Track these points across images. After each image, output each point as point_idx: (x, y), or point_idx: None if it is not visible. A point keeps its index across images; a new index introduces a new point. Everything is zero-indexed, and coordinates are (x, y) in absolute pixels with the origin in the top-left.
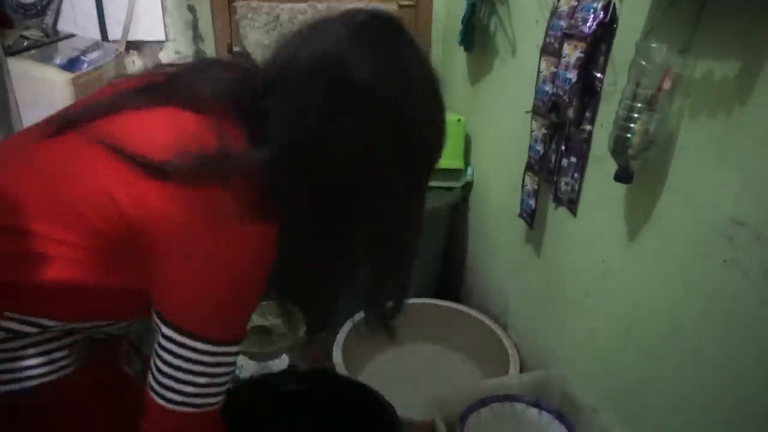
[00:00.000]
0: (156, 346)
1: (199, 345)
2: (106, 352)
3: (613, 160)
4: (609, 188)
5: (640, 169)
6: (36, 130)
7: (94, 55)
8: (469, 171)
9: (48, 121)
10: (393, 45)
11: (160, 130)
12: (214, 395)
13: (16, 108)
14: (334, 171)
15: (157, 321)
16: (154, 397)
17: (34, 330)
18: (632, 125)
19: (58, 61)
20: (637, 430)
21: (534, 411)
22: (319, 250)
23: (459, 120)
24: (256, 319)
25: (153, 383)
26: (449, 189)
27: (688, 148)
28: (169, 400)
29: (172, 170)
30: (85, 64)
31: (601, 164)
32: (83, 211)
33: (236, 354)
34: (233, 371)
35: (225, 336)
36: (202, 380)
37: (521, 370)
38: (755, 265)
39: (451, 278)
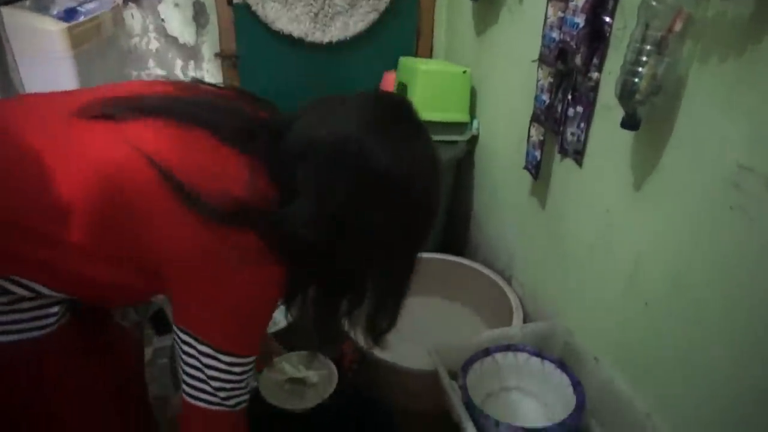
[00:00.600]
0: (190, 361)
1: (228, 359)
2: (93, 308)
3: (620, 109)
4: (615, 138)
5: (647, 115)
6: (76, 101)
7: (90, 5)
8: (475, 124)
9: (91, 98)
10: (403, 131)
11: (199, 156)
12: (243, 393)
13: (12, 58)
14: (355, 236)
15: (188, 339)
16: (196, 402)
17: (27, 294)
18: (640, 69)
19: (54, 11)
20: (638, 380)
21: (536, 360)
22: (333, 291)
23: (464, 72)
24: (290, 371)
25: (192, 391)
26: (454, 143)
27: (696, 94)
28: (207, 402)
29: (210, 210)
30: (82, 15)
31: (608, 113)
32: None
33: (253, 362)
34: (245, 379)
35: (243, 350)
36: (226, 385)
37: (525, 323)
38: (763, 212)
39: (456, 233)
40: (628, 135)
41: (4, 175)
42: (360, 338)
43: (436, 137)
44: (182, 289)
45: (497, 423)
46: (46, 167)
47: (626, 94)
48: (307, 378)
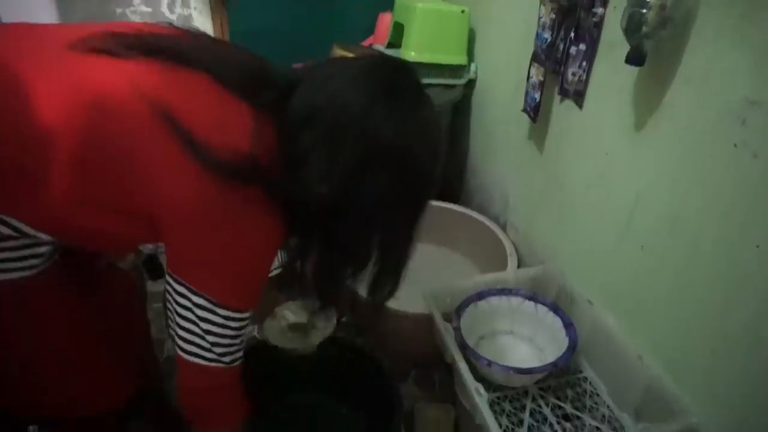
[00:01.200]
0: (185, 313)
1: (224, 312)
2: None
3: (624, 46)
4: (619, 76)
5: (653, 50)
6: (76, 34)
7: None
8: (473, 68)
9: (94, 33)
10: (407, 100)
11: (202, 101)
12: (237, 350)
13: None
14: (358, 202)
15: (184, 291)
16: (190, 358)
17: (11, 232)
18: (649, 0)
19: None
20: (631, 322)
21: (530, 304)
22: (335, 255)
23: (463, 11)
24: (291, 317)
25: (185, 346)
26: (451, 87)
27: (706, 27)
28: (204, 358)
29: (216, 162)
30: None
31: (611, 51)
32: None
33: (249, 317)
34: (240, 337)
35: (240, 304)
36: (222, 341)
37: (519, 268)
38: (766, 145)
39: (451, 180)
40: (631, 73)
41: None
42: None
43: (433, 80)
44: (178, 239)
45: (489, 363)
46: (29, 94)
47: (633, 26)
48: (308, 322)
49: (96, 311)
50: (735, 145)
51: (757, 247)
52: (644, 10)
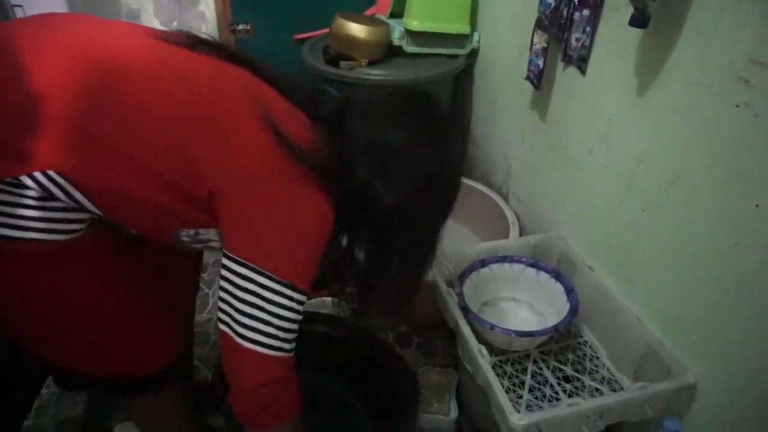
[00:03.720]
0: (249, 298)
1: (287, 291)
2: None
3: (628, 9)
4: (622, 40)
5: (657, 11)
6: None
7: None
8: (476, 37)
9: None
10: (440, 131)
11: (279, 104)
12: (293, 339)
13: None
14: (411, 217)
15: (246, 272)
16: (243, 343)
17: (62, 195)
18: None
19: None
20: (630, 286)
21: (532, 271)
22: (383, 258)
23: None
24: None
25: (247, 333)
26: (454, 57)
27: None
28: (266, 346)
29: (302, 154)
30: None
31: (615, 15)
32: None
33: (300, 304)
34: (295, 323)
35: (301, 283)
36: (285, 324)
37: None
38: None
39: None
40: (635, 37)
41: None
42: None
43: (435, 50)
44: (240, 213)
45: (492, 326)
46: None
47: None
48: None
49: (149, 272)
50: (737, 106)
51: (757, 206)
52: None
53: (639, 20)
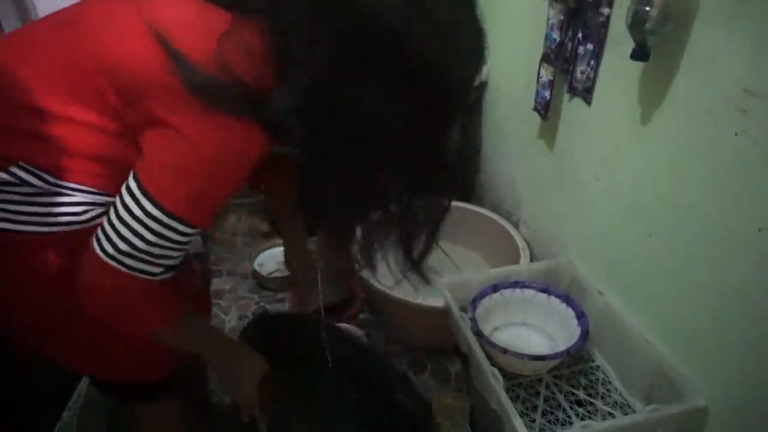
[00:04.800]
0: (116, 198)
1: (150, 207)
2: None
3: (630, 43)
4: (625, 72)
5: (657, 45)
6: None
7: None
8: (485, 69)
9: None
10: None
11: (192, 29)
12: (148, 263)
13: None
14: (348, 111)
15: (136, 191)
16: (92, 241)
17: (41, 183)
18: None
19: None
20: (638, 308)
21: (543, 296)
22: (336, 179)
23: None
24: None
25: (98, 230)
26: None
27: (706, 21)
28: (102, 249)
29: (200, 89)
30: None
31: (617, 48)
32: (102, 86)
33: (184, 236)
34: (176, 254)
35: (178, 211)
36: (138, 243)
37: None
38: (765, 133)
39: (463, 178)
40: (636, 69)
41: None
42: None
43: None
44: (155, 137)
45: (505, 350)
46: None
47: (637, 23)
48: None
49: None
50: (735, 134)
51: (759, 230)
52: (647, 8)
53: (639, 54)
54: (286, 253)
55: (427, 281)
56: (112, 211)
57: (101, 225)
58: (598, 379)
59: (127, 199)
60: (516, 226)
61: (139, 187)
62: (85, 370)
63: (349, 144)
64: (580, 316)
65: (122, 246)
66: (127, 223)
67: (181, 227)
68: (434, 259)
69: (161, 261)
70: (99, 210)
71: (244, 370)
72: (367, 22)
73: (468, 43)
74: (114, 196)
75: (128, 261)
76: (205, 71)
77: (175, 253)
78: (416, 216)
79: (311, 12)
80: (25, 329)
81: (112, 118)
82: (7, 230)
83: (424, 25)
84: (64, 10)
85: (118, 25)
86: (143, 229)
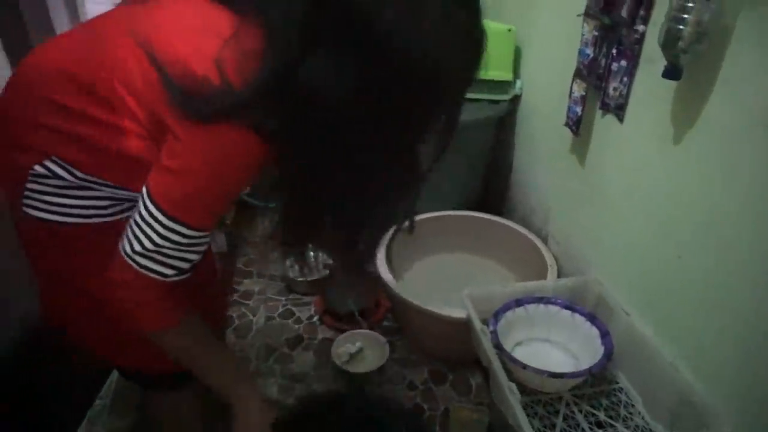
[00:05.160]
0: (136, 217)
1: (154, 210)
2: None
3: (663, 62)
4: (658, 90)
5: (690, 64)
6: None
7: None
8: (518, 84)
9: None
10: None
11: (196, 34)
12: (158, 263)
13: None
14: (326, 106)
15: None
16: (119, 238)
17: (70, 177)
18: (686, 16)
19: None
20: (665, 330)
21: (567, 313)
22: (312, 178)
23: (510, 30)
24: (350, 348)
25: (125, 229)
26: (496, 102)
27: (741, 40)
28: (122, 247)
29: (187, 103)
30: None
31: (651, 66)
32: (122, 93)
33: (188, 238)
34: (187, 256)
35: (178, 214)
36: (147, 243)
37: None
38: None
39: (495, 192)
40: (669, 87)
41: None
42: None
43: (479, 95)
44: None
45: (524, 366)
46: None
47: (670, 42)
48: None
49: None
50: None
51: None
52: (681, 26)
53: (672, 73)
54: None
55: (362, 280)
56: (134, 211)
57: (127, 224)
58: (620, 402)
59: (140, 203)
60: (545, 241)
61: (147, 191)
62: (111, 358)
63: (320, 138)
64: (605, 335)
65: (136, 246)
66: (139, 225)
67: (183, 230)
68: (462, 270)
69: (172, 262)
70: (123, 206)
71: (252, 413)
72: (359, 20)
73: (459, 38)
74: (135, 190)
75: (140, 260)
76: (193, 82)
77: (185, 255)
78: (369, 220)
79: (305, 10)
80: (60, 316)
81: (133, 121)
82: (42, 219)
83: (414, 22)
84: (95, 18)
85: (131, 34)
86: (150, 230)
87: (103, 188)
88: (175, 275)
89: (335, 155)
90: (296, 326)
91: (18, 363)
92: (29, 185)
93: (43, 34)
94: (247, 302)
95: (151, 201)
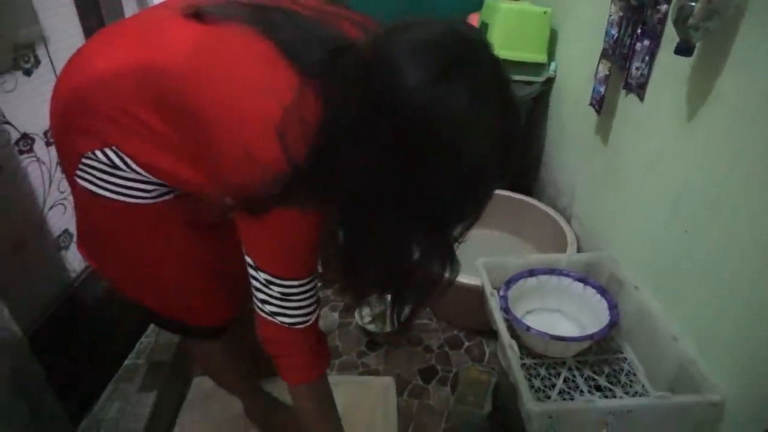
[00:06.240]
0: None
1: (268, 277)
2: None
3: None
4: (676, 69)
5: (704, 43)
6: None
7: None
8: (552, 66)
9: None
10: (456, 70)
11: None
12: (290, 316)
13: None
14: (357, 187)
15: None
16: (260, 313)
17: (123, 166)
18: None
19: None
20: (670, 306)
21: (579, 285)
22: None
23: (545, 12)
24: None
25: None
26: (529, 83)
27: (753, 19)
28: (259, 308)
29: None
30: None
31: (671, 45)
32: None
33: (303, 286)
34: (303, 302)
35: (288, 275)
36: (275, 302)
37: None
38: None
39: (526, 172)
40: (686, 66)
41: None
42: None
43: (513, 76)
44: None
45: (528, 328)
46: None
47: (681, 19)
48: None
49: (213, 249)
50: None
51: None
52: (692, 3)
53: (683, 49)
54: None
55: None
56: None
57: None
58: (623, 370)
59: (253, 273)
60: (569, 221)
61: (253, 262)
62: (151, 306)
63: (355, 210)
64: (613, 307)
65: (267, 307)
66: (260, 290)
67: (295, 282)
68: (488, 244)
69: (296, 311)
70: (164, 190)
71: None
72: (394, 99)
73: (487, 133)
74: (176, 188)
75: (276, 317)
76: (251, 177)
77: (304, 302)
78: (410, 287)
79: (352, 82)
80: (109, 267)
81: (187, 141)
82: (90, 191)
83: (444, 110)
84: (154, 15)
85: (196, 63)
86: (265, 287)
87: (148, 177)
88: (297, 322)
89: (367, 232)
90: (326, 292)
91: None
92: (84, 160)
93: (112, 14)
94: None
95: (260, 270)
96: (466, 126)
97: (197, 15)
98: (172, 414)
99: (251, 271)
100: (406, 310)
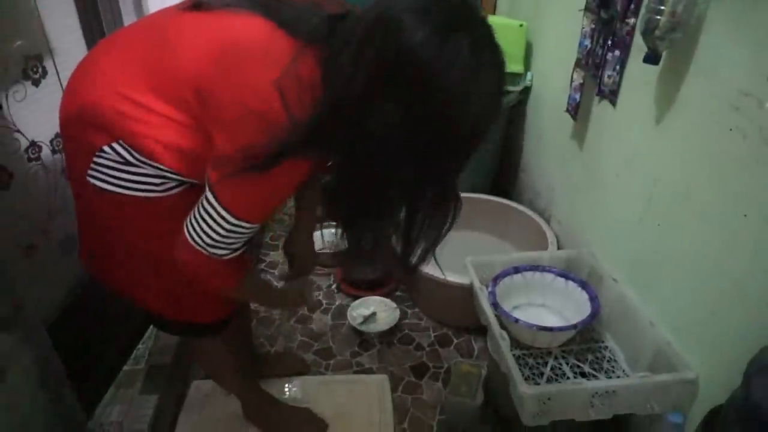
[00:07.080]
0: (199, 200)
1: (223, 213)
2: None
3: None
4: (645, 76)
5: (669, 52)
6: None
7: None
8: (528, 76)
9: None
10: (456, 27)
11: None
12: (220, 248)
13: None
14: (373, 131)
15: (207, 184)
16: (184, 229)
17: (131, 158)
18: (662, 7)
19: None
20: (646, 295)
21: (561, 280)
22: (363, 204)
23: (521, 25)
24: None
25: (188, 221)
26: (507, 93)
27: (712, 29)
28: (191, 237)
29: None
30: None
31: (640, 54)
32: (185, 93)
33: (249, 230)
34: (241, 242)
35: (244, 216)
36: (215, 236)
37: None
38: (755, 130)
39: (506, 177)
40: (654, 73)
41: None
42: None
43: None
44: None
45: (516, 320)
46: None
47: (648, 30)
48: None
49: None
50: (730, 129)
51: (745, 216)
52: (658, 16)
53: (651, 58)
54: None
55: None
56: (197, 210)
57: (190, 217)
58: (604, 357)
59: (207, 205)
60: (548, 221)
61: (216, 198)
62: (154, 308)
63: (367, 162)
64: (593, 298)
65: (205, 238)
66: (208, 222)
67: (246, 225)
68: (472, 246)
69: (231, 247)
70: (172, 183)
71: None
72: (402, 54)
73: (487, 86)
74: (185, 176)
75: (208, 248)
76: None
77: (240, 242)
78: (418, 231)
79: (359, 42)
80: (113, 271)
81: (189, 116)
82: (103, 188)
83: (450, 63)
84: (153, 17)
85: (199, 41)
86: (218, 227)
87: (156, 170)
88: (230, 254)
89: (379, 181)
90: (317, 293)
91: (73, 311)
92: (96, 159)
93: (113, 26)
94: (272, 271)
95: (221, 206)
96: (471, 75)
97: (197, 6)
98: (174, 416)
99: (206, 205)
100: (417, 254)
